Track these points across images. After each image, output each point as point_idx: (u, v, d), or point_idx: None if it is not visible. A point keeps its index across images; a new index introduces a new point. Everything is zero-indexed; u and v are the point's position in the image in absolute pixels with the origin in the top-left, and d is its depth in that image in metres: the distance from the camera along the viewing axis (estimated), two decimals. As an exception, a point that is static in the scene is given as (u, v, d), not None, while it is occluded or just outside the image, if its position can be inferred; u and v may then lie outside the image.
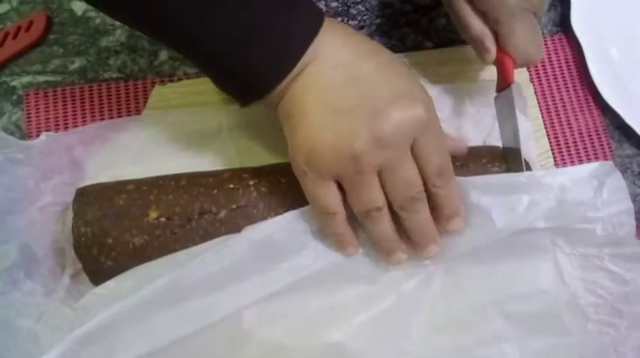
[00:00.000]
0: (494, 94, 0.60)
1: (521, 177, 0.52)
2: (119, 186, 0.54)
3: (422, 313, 0.53)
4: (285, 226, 0.51)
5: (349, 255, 0.52)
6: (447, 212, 0.51)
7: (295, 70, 0.47)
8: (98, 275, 0.53)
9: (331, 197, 0.48)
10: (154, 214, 0.52)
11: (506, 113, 0.58)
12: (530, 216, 0.52)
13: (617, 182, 0.54)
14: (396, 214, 0.50)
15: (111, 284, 0.52)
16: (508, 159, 0.57)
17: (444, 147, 0.50)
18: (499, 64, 0.58)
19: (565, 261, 0.55)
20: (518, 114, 0.58)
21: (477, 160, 0.56)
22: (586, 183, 0.53)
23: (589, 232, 0.53)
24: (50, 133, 0.60)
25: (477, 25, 0.57)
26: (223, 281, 0.51)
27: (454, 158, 0.55)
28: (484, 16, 0.56)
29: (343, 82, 0.47)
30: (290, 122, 0.49)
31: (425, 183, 0.49)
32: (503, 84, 0.58)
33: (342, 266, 0.53)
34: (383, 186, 0.48)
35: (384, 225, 0.50)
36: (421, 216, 0.50)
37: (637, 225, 0.63)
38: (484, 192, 0.51)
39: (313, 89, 0.47)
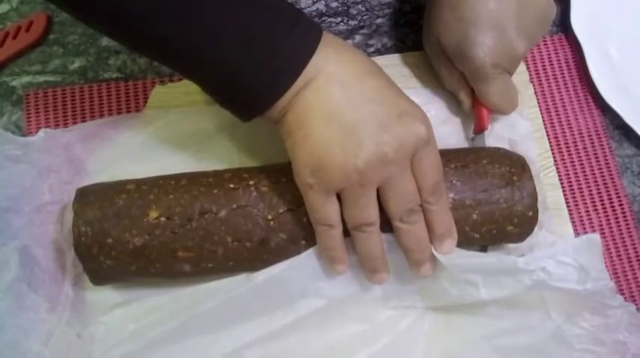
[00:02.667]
0: (472, 136, 0.64)
1: (505, 261, 0.53)
2: (119, 186, 0.53)
3: (417, 350, 0.56)
4: (287, 269, 0.53)
5: (338, 273, 0.53)
6: (440, 231, 0.52)
7: (297, 87, 0.48)
8: (98, 274, 0.53)
9: (332, 210, 0.50)
10: (154, 214, 0.51)
11: None
12: (513, 291, 0.54)
13: (599, 268, 0.55)
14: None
15: (116, 314, 0.55)
16: None
17: (439, 164, 0.51)
18: (475, 110, 0.62)
19: (549, 297, 0.56)
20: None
21: (477, 161, 0.56)
22: (569, 267, 0.54)
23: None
24: (49, 130, 0.60)
25: (450, 81, 0.63)
26: (226, 321, 0.54)
27: (455, 159, 0.55)
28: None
29: (349, 99, 0.48)
30: (293, 136, 0.49)
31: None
32: (479, 128, 0.62)
33: (340, 305, 0.55)
34: (383, 201, 0.50)
35: (374, 242, 0.52)
36: (418, 227, 0.51)
37: (636, 225, 0.64)
38: (473, 271, 0.53)
39: (318, 104, 0.48)
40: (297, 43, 0.48)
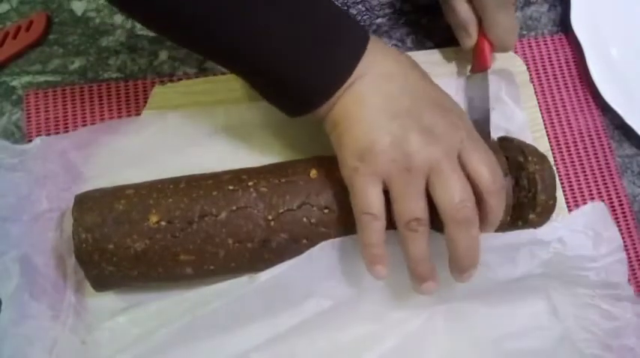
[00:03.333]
0: (468, 74, 0.67)
1: (523, 235, 0.54)
2: (118, 191, 0.53)
3: (426, 352, 0.56)
4: (289, 270, 0.52)
5: (378, 277, 0.51)
6: (493, 220, 0.52)
7: (347, 83, 0.50)
8: (100, 281, 0.53)
9: (376, 198, 0.50)
10: (154, 218, 0.51)
11: (479, 95, 0.65)
12: (528, 267, 0.54)
13: (612, 233, 0.57)
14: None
15: (120, 319, 0.54)
16: None
17: (490, 156, 0.52)
18: (478, 48, 0.64)
19: (558, 298, 0.57)
20: (510, 102, 0.65)
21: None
22: (583, 235, 0.56)
23: (583, 278, 0.56)
24: (44, 137, 0.60)
25: (464, 11, 0.63)
26: (231, 324, 0.54)
27: None
28: (471, 3, 0.62)
29: (394, 91, 0.51)
30: (340, 127, 0.51)
31: (478, 195, 0.50)
32: (480, 67, 0.65)
33: (347, 305, 0.55)
34: (435, 198, 0.49)
35: (423, 243, 0.50)
36: (472, 234, 0.50)
37: (636, 225, 0.64)
38: (486, 250, 0.52)
39: (366, 97, 0.50)
40: (351, 43, 0.51)
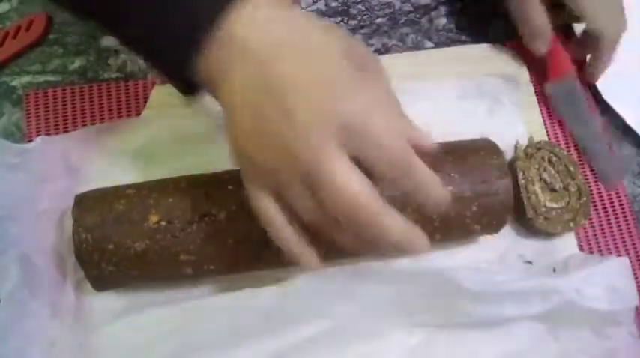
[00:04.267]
0: (547, 84, 0.66)
1: (539, 281, 0.55)
2: (118, 191, 0.53)
3: None
4: (293, 289, 0.53)
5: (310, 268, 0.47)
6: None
7: (211, 44, 0.42)
8: (100, 281, 0.53)
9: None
10: (154, 218, 0.51)
11: (574, 102, 0.64)
12: (538, 309, 0.55)
13: (630, 291, 0.57)
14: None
15: (120, 325, 0.54)
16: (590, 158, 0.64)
17: (387, 135, 0.41)
18: (553, 52, 0.64)
19: (556, 320, 0.57)
20: (510, 105, 0.65)
21: (475, 153, 0.56)
22: (600, 289, 0.56)
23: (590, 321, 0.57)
24: (45, 137, 0.60)
25: (540, 16, 0.62)
26: (231, 340, 0.53)
27: (450, 153, 0.55)
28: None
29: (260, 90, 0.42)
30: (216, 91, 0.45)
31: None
32: (561, 71, 0.63)
33: (348, 324, 0.55)
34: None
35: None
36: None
37: (636, 225, 0.64)
38: (504, 293, 0.53)
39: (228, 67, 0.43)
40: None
